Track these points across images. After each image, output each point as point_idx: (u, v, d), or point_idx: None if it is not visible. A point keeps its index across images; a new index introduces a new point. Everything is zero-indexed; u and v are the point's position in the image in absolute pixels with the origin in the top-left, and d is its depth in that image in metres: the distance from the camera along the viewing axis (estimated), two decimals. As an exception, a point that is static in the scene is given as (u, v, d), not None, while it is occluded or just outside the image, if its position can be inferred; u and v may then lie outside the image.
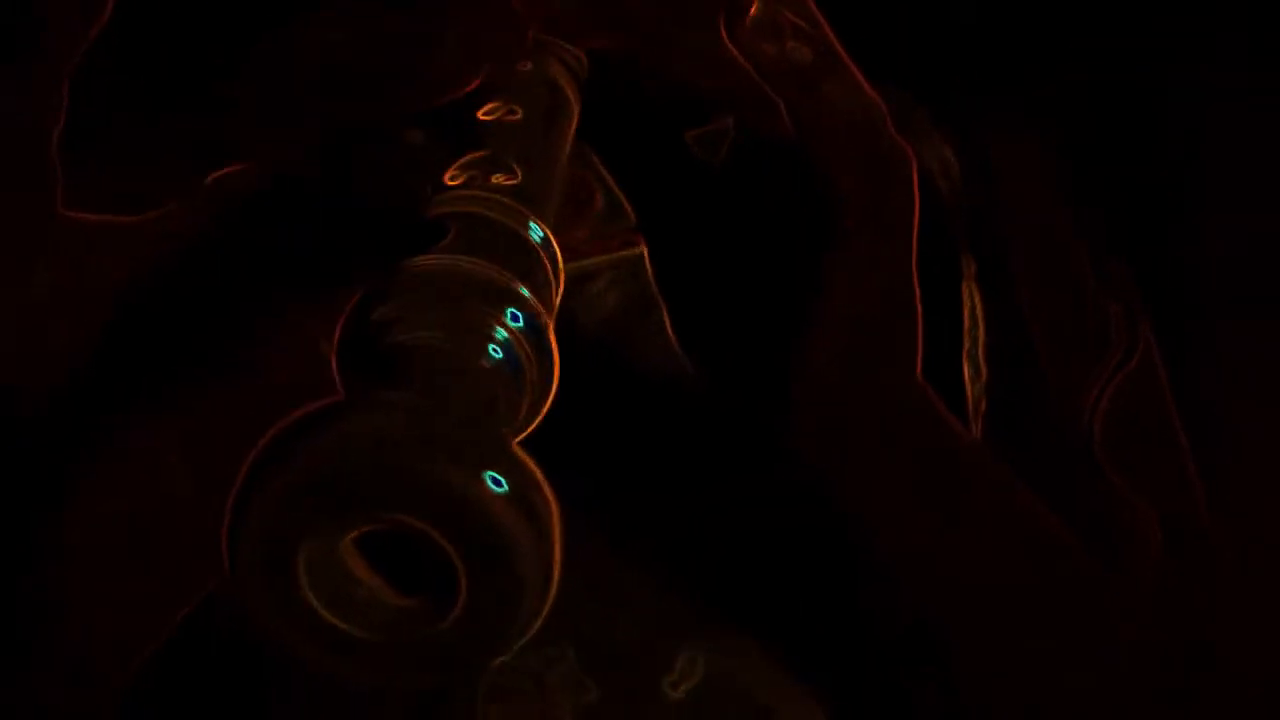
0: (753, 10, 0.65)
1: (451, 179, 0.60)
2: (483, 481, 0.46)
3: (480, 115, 0.64)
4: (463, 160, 0.60)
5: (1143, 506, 0.79)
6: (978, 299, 0.82)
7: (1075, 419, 0.81)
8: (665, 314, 0.79)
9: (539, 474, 0.48)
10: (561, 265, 0.58)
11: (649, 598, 0.78)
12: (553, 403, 0.56)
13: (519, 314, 0.54)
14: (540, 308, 0.55)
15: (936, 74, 0.85)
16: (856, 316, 0.68)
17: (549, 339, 0.54)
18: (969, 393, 0.82)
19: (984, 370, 0.82)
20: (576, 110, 0.68)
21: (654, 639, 0.77)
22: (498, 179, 0.60)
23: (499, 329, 0.53)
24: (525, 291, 0.54)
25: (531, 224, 0.58)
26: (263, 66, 0.63)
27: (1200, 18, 0.95)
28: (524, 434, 0.54)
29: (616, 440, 0.78)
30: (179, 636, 0.63)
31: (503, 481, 0.47)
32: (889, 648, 0.75)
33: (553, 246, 0.58)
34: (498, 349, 0.53)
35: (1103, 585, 0.76)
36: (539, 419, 0.54)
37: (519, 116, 0.64)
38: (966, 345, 0.82)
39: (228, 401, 0.61)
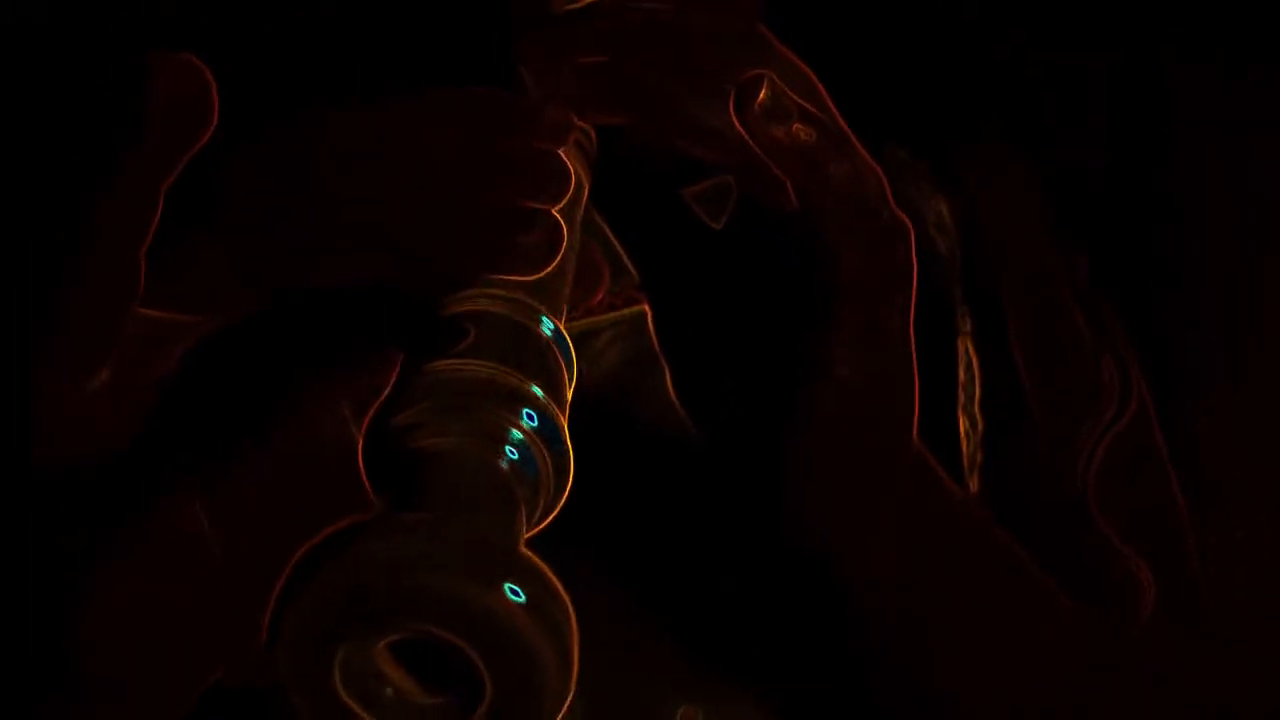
0: (761, 95, 0.67)
1: None
2: (501, 593, 0.49)
3: None
4: None
5: (1136, 559, 0.80)
6: (974, 354, 0.84)
7: (1069, 472, 0.82)
8: (667, 372, 0.80)
9: (555, 581, 0.50)
10: (574, 356, 0.60)
11: (650, 651, 0.79)
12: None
13: (534, 414, 0.56)
14: (553, 406, 0.57)
15: (928, 129, 0.87)
16: (855, 382, 0.69)
17: (563, 436, 0.56)
18: (965, 447, 0.83)
19: (980, 424, 0.83)
20: (588, 189, 0.70)
21: (656, 693, 0.78)
22: None
23: (514, 431, 0.55)
24: (538, 391, 0.57)
25: (543, 318, 0.59)
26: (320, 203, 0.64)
27: (1189, 63, 0.96)
28: (540, 527, 0.56)
29: (617, 497, 0.79)
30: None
31: (520, 592, 0.49)
32: (885, 706, 0.76)
33: (564, 338, 0.60)
34: (513, 450, 0.55)
35: (1096, 640, 0.77)
36: (556, 511, 0.56)
37: None
38: (962, 400, 0.83)
39: (259, 473, 0.62)
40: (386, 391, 0.57)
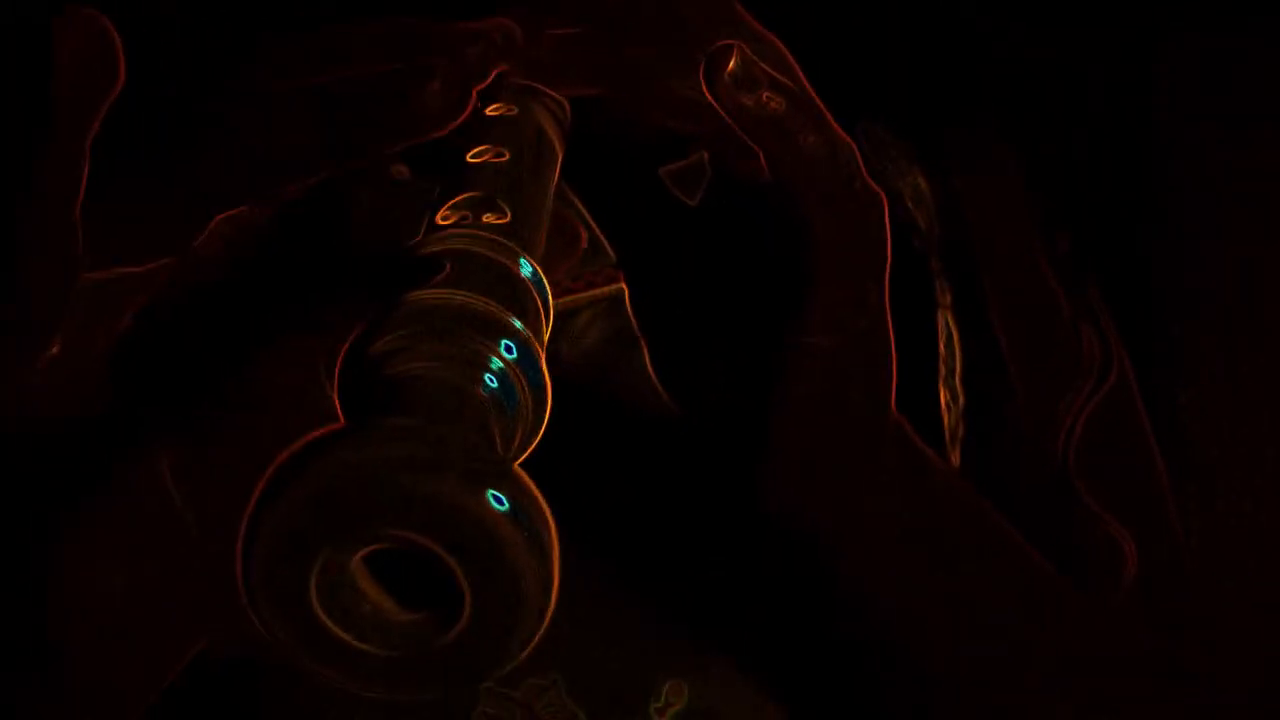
0: (731, 64, 0.67)
1: (443, 219, 0.61)
2: (484, 499, 0.48)
3: (469, 158, 0.65)
4: (454, 200, 0.62)
5: (1118, 529, 0.80)
6: (954, 327, 0.84)
7: (1051, 443, 0.82)
8: (645, 351, 0.80)
9: (538, 492, 0.49)
10: (551, 300, 0.59)
11: (633, 627, 0.79)
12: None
13: (512, 345, 0.55)
14: (533, 339, 0.56)
15: (908, 106, 0.87)
16: (832, 353, 0.69)
17: (542, 369, 0.56)
18: (946, 420, 0.83)
19: (961, 397, 0.83)
20: (561, 154, 0.70)
21: (639, 667, 0.78)
22: (488, 218, 0.61)
23: (494, 359, 0.55)
24: (518, 323, 0.56)
25: (522, 260, 0.59)
26: (252, 107, 0.64)
27: (1177, 49, 0.97)
28: (518, 461, 0.56)
29: (598, 475, 0.79)
30: (182, 682, 0.64)
31: (504, 500, 0.48)
32: (867, 677, 0.76)
33: (542, 281, 0.59)
34: (493, 378, 0.54)
35: (1079, 610, 0.77)
36: (533, 446, 0.56)
37: (506, 159, 0.65)
38: (943, 373, 0.83)
39: (229, 435, 0.62)
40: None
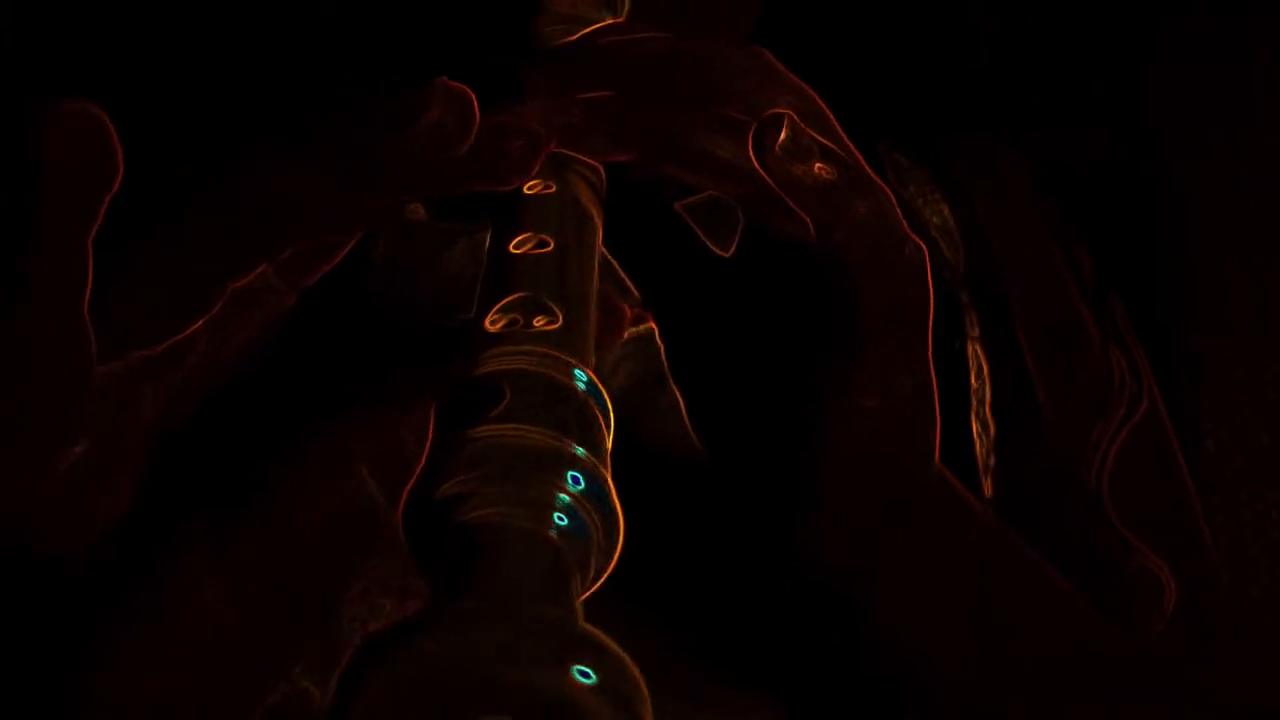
0: (782, 135, 0.66)
1: (493, 323, 0.61)
2: (570, 677, 0.48)
3: (511, 249, 0.64)
4: (503, 303, 0.61)
5: (1154, 558, 0.80)
6: (983, 357, 0.83)
7: (1084, 471, 0.82)
8: (678, 394, 0.80)
9: (624, 657, 0.49)
10: (610, 407, 0.59)
11: (659, 672, 0.79)
12: None
13: (579, 476, 0.55)
14: (598, 465, 0.56)
15: (920, 124, 0.86)
16: (879, 413, 0.69)
17: (610, 495, 0.55)
18: (978, 451, 0.83)
19: (992, 427, 0.83)
20: (600, 228, 0.69)
21: (667, 713, 0.78)
22: (539, 322, 0.60)
23: (561, 495, 0.54)
24: (580, 451, 0.55)
25: (576, 371, 0.59)
26: (275, 161, 0.63)
27: (1184, 54, 0.96)
28: (593, 589, 0.55)
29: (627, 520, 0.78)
30: None
31: (590, 673, 0.48)
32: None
33: (600, 391, 0.59)
34: (562, 516, 0.54)
35: (1122, 646, 0.77)
36: (608, 572, 0.56)
37: (550, 249, 0.64)
38: (974, 405, 0.83)
39: (264, 528, 0.61)
40: (424, 459, 0.55)
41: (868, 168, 0.68)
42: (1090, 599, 0.77)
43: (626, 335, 0.81)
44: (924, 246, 0.68)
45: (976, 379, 0.83)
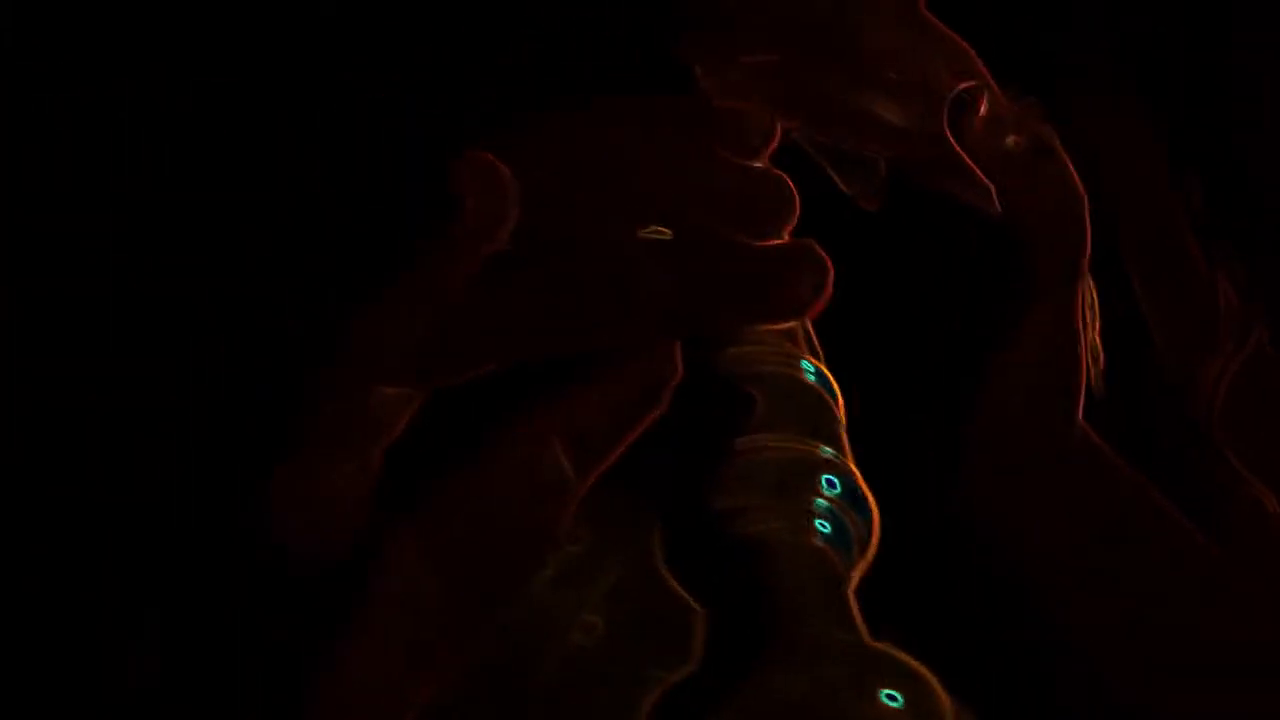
0: (982, 110, 0.65)
1: None
2: (880, 703, 0.49)
3: None
4: None
5: (1263, 488, 0.82)
6: (1093, 288, 0.84)
7: (1193, 402, 0.83)
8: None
9: (927, 674, 0.50)
10: (838, 391, 0.60)
11: None
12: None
13: (834, 480, 0.55)
14: (847, 466, 0.57)
15: (1033, 62, 0.85)
16: (1040, 367, 0.70)
17: (864, 494, 0.57)
18: (1089, 381, 0.83)
19: (1102, 358, 0.83)
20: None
21: None
22: None
23: (821, 501, 0.55)
24: (829, 452, 0.57)
25: (804, 363, 0.59)
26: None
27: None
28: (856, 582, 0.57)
29: None
30: None
31: (896, 696, 0.49)
32: (1044, 674, 0.77)
33: (827, 379, 0.60)
34: (824, 523, 0.55)
35: (1241, 590, 0.79)
36: (867, 564, 0.57)
37: None
38: (1086, 335, 0.83)
39: (473, 519, 0.61)
40: (707, 472, 0.57)
41: (1049, 131, 0.68)
42: (1202, 529, 0.79)
43: None
44: (1084, 195, 0.69)
45: (1088, 310, 0.83)
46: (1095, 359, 0.84)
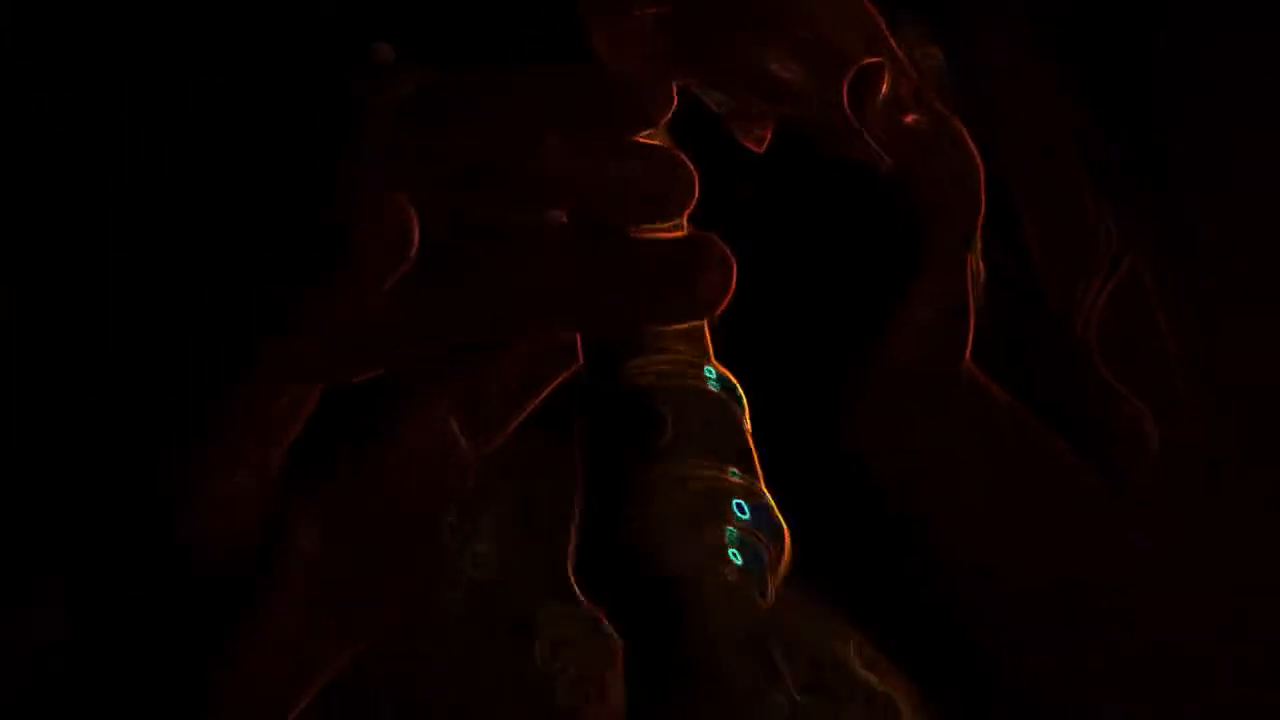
0: (883, 88, 0.66)
1: None
2: None
3: None
4: None
5: (1139, 405, 0.84)
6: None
7: (1072, 324, 0.85)
8: None
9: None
10: (742, 394, 0.59)
11: None
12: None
13: (743, 505, 0.56)
14: (757, 486, 0.57)
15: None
16: (930, 324, 0.71)
17: (775, 516, 0.57)
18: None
19: (981, 273, 0.85)
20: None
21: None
22: None
23: (731, 530, 0.56)
24: (737, 475, 0.57)
25: (707, 368, 0.59)
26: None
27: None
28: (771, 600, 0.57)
29: None
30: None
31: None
32: (942, 603, 0.79)
33: (732, 384, 0.59)
34: (736, 554, 0.56)
35: (1125, 514, 0.81)
36: (781, 578, 0.57)
37: None
38: (974, 290, 0.84)
39: (370, 495, 0.62)
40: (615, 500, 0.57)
41: (946, 111, 0.68)
42: (1081, 447, 0.81)
43: None
44: (980, 162, 0.70)
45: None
46: (975, 277, 0.85)
